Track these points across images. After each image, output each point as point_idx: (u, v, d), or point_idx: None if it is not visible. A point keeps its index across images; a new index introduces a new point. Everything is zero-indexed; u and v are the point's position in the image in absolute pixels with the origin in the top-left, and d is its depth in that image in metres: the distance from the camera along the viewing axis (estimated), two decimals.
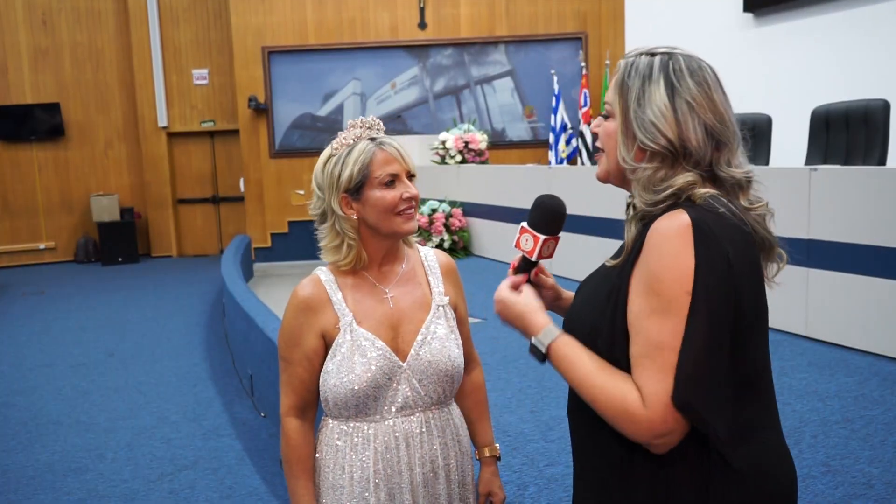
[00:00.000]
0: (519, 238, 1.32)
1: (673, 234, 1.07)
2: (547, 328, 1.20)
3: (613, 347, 1.13)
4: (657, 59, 1.16)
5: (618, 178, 1.22)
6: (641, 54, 1.18)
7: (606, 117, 1.22)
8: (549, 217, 1.32)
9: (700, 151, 1.13)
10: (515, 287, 1.30)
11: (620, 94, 1.18)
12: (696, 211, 1.09)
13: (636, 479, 1.13)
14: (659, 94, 1.14)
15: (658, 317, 1.07)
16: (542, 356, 1.20)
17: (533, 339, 1.21)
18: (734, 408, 1.09)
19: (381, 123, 1.57)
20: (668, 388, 1.05)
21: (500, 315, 1.30)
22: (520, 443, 2.68)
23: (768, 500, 1.15)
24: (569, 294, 1.42)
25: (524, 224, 1.32)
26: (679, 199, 1.12)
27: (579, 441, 1.27)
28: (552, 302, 1.41)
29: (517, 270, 1.34)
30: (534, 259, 1.32)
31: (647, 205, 1.14)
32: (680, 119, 1.12)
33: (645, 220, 1.14)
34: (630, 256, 1.13)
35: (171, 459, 3.83)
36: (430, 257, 1.66)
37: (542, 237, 1.30)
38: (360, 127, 1.54)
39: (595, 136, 1.26)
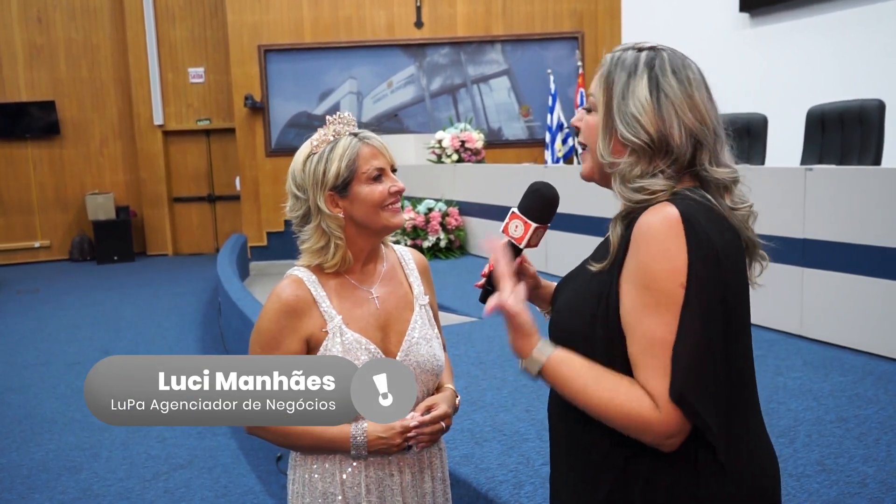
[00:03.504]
0: (508, 223, 1.29)
1: (662, 228, 1.06)
2: (534, 352, 1.15)
3: (612, 351, 1.11)
4: (643, 54, 1.16)
5: (601, 175, 1.21)
6: (628, 49, 1.18)
7: (589, 111, 1.21)
8: (542, 204, 1.29)
9: (680, 149, 1.12)
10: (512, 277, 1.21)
11: (605, 87, 1.17)
12: (682, 203, 1.08)
13: (628, 478, 1.12)
14: (641, 88, 1.13)
15: (653, 312, 1.05)
16: (535, 377, 1.17)
17: (522, 364, 1.17)
18: (728, 404, 1.09)
19: (356, 119, 1.55)
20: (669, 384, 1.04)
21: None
22: (516, 442, 2.68)
23: (758, 496, 1.15)
24: (547, 283, 1.40)
25: (515, 210, 1.30)
26: (647, 203, 1.11)
27: (562, 440, 1.24)
28: (531, 290, 1.40)
29: None
30: (521, 246, 1.29)
31: (627, 201, 1.13)
32: (662, 115, 1.12)
33: (629, 220, 1.13)
34: (618, 255, 1.12)
35: (166, 458, 3.82)
36: (406, 256, 1.65)
37: (533, 225, 1.27)
38: (339, 123, 1.52)
39: (577, 131, 1.24)
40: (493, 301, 1.18)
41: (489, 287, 1.32)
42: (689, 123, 1.12)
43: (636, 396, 1.06)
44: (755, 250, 1.18)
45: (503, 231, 1.30)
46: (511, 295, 1.18)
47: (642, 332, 1.06)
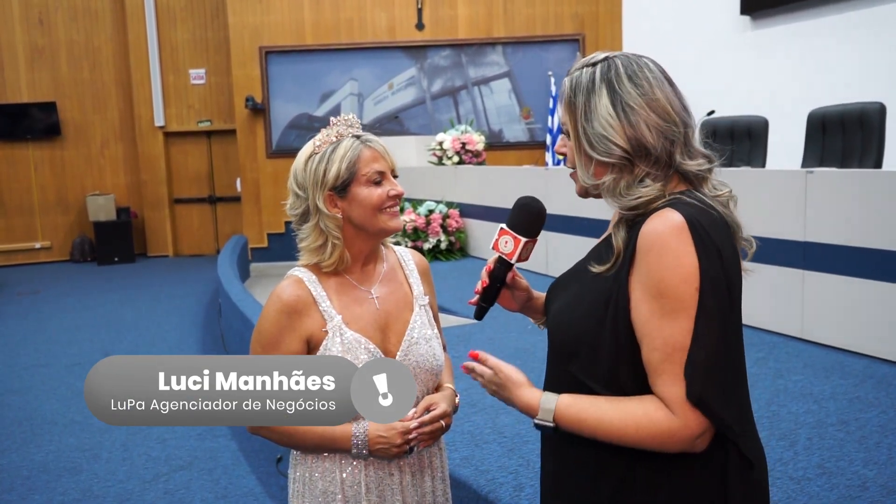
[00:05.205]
0: (497, 240, 1.31)
1: (670, 235, 1.07)
2: (542, 403, 1.17)
3: (619, 357, 1.12)
4: (597, 68, 1.17)
5: (594, 192, 1.22)
6: (582, 67, 1.19)
7: (568, 134, 1.22)
8: (530, 219, 1.31)
9: (657, 148, 1.13)
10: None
11: (570, 113, 1.18)
12: (683, 208, 1.09)
13: (653, 484, 1.13)
14: (603, 104, 1.14)
15: (672, 319, 1.07)
16: (553, 429, 1.18)
17: (536, 421, 1.19)
18: (738, 401, 1.11)
19: (360, 122, 1.57)
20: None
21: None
22: (516, 444, 2.68)
23: (764, 484, 1.18)
24: (539, 294, 1.41)
25: (503, 226, 1.31)
26: (647, 209, 1.12)
27: (570, 452, 1.22)
28: (524, 303, 1.41)
29: (493, 273, 1.33)
30: (513, 262, 1.31)
31: (622, 209, 1.15)
32: (630, 122, 1.12)
33: (631, 224, 1.14)
34: (624, 261, 1.13)
35: (166, 459, 3.82)
36: (406, 257, 1.66)
37: (522, 239, 1.29)
38: (342, 125, 1.53)
39: (564, 156, 1.25)
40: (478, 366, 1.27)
41: (484, 304, 1.35)
42: (656, 123, 1.13)
43: (650, 412, 1.08)
44: (739, 231, 1.19)
45: (493, 247, 1.32)
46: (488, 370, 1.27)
47: (663, 340, 1.07)
